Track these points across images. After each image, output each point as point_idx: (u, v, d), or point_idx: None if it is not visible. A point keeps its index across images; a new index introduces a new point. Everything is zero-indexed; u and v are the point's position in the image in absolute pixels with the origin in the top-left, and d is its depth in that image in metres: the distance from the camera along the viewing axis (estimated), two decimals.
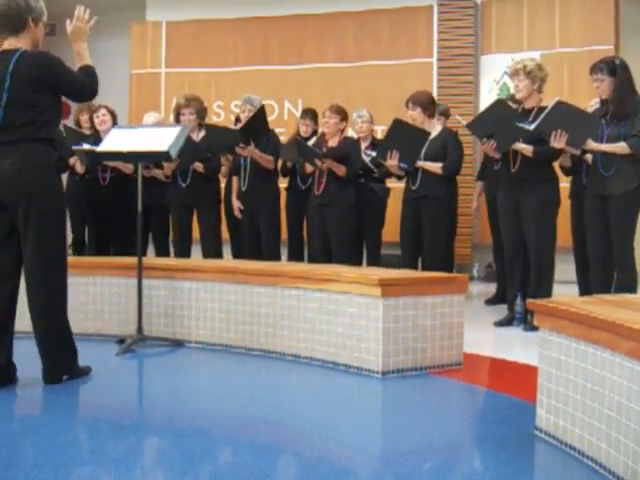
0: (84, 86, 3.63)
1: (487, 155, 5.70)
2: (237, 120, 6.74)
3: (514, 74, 5.24)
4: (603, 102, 4.96)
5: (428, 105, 5.77)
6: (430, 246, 5.72)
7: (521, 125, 4.96)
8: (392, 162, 5.60)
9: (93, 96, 3.75)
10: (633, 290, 4.71)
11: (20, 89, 3.48)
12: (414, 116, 5.73)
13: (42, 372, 3.63)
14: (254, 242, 6.17)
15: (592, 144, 4.82)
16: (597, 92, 4.92)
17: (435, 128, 5.83)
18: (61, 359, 3.67)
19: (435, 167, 5.67)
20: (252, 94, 6.41)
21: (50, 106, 3.57)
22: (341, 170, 5.73)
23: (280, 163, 6.35)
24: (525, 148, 5.09)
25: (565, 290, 5.83)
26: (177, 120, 6.20)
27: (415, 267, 5.82)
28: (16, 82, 3.48)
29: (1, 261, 3.59)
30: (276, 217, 6.20)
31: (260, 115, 5.88)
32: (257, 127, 5.88)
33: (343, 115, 5.98)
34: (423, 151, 5.63)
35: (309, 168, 6.05)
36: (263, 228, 6.13)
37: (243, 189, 6.13)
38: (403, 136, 5.52)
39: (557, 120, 4.77)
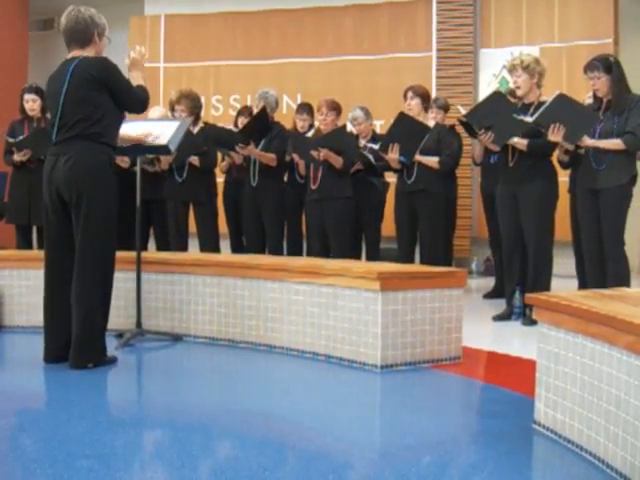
0: (137, 95, 3.93)
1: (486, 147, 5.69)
2: (239, 114, 6.73)
3: (512, 70, 5.24)
4: (596, 98, 4.97)
5: (426, 98, 5.82)
6: (428, 241, 5.73)
7: (520, 117, 4.96)
8: (393, 156, 5.61)
9: (143, 108, 4.03)
10: (626, 283, 4.72)
11: (77, 88, 3.76)
12: (412, 105, 5.74)
13: (70, 355, 3.78)
14: (257, 235, 6.18)
15: (587, 140, 4.84)
16: (592, 89, 4.95)
17: (429, 122, 5.83)
18: (90, 348, 3.79)
19: (432, 161, 5.68)
20: (270, 88, 6.36)
21: (105, 104, 3.82)
22: (338, 162, 5.72)
23: None
24: (519, 142, 5.10)
25: (564, 284, 5.83)
26: (172, 117, 6.20)
27: (412, 260, 5.82)
28: (74, 82, 3.77)
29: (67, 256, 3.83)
30: (280, 212, 6.22)
31: (261, 117, 5.87)
32: (257, 128, 5.86)
33: (339, 110, 6.00)
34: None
35: (302, 167, 6.06)
36: (267, 222, 6.14)
37: (253, 184, 6.13)
38: (405, 130, 5.54)
39: (557, 113, 4.78)
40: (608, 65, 4.81)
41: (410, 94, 5.79)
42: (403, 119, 5.57)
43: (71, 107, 3.76)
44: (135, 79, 4.03)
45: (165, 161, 6.07)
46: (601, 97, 4.90)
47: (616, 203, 4.81)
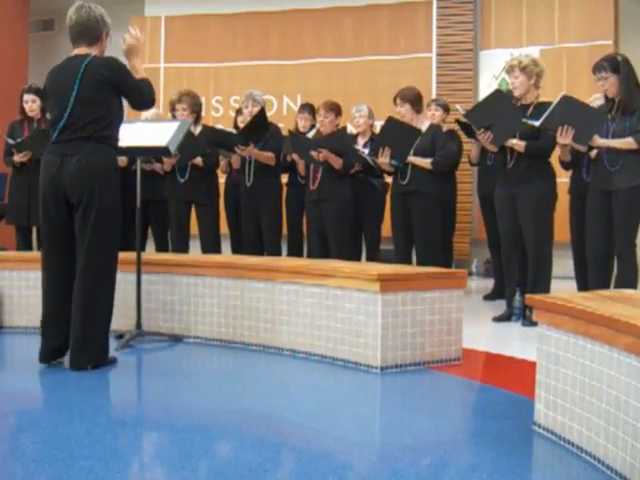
0: (145, 94, 3.89)
1: (484, 148, 5.68)
2: (238, 113, 6.72)
3: (509, 71, 5.24)
4: (608, 99, 4.93)
5: (416, 101, 5.78)
6: (422, 242, 5.71)
7: (526, 121, 4.92)
8: (383, 160, 5.61)
9: (151, 105, 4.02)
10: (634, 285, 4.71)
11: (88, 89, 3.73)
12: (403, 112, 5.73)
13: (69, 356, 3.78)
14: (255, 237, 6.18)
15: (599, 140, 4.79)
16: (602, 90, 4.88)
17: (424, 124, 5.82)
18: (90, 349, 3.78)
19: (425, 162, 5.66)
20: (254, 89, 6.38)
21: (114, 106, 3.82)
22: (337, 163, 5.72)
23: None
24: (517, 143, 5.09)
25: (563, 286, 5.83)
26: (172, 116, 6.19)
27: (409, 261, 5.81)
28: (85, 82, 3.73)
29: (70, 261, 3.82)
30: (278, 212, 6.22)
31: (260, 117, 5.87)
32: (256, 129, 5.87)
33: (337, 111, 5.99)
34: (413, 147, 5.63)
35: (302, 167, 6.06)
36: (264, 223, 6.13)
37: (248, 184, 6.13)
38: (396, 134, 5.52)
39: (563, 115, 4.73)
40: (615, 64, 4.76)
41: (399, 101, 5.77)
42: (392, 123, 5.56)
43: (83, 107, 3.72)
44: (135, 69, 3.94)
45: (168, 163, 6.07)
46: (612, 98, 4.86)
47: (629, 204, 4.78)
